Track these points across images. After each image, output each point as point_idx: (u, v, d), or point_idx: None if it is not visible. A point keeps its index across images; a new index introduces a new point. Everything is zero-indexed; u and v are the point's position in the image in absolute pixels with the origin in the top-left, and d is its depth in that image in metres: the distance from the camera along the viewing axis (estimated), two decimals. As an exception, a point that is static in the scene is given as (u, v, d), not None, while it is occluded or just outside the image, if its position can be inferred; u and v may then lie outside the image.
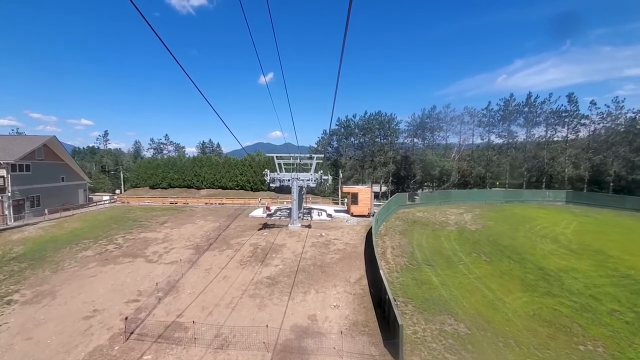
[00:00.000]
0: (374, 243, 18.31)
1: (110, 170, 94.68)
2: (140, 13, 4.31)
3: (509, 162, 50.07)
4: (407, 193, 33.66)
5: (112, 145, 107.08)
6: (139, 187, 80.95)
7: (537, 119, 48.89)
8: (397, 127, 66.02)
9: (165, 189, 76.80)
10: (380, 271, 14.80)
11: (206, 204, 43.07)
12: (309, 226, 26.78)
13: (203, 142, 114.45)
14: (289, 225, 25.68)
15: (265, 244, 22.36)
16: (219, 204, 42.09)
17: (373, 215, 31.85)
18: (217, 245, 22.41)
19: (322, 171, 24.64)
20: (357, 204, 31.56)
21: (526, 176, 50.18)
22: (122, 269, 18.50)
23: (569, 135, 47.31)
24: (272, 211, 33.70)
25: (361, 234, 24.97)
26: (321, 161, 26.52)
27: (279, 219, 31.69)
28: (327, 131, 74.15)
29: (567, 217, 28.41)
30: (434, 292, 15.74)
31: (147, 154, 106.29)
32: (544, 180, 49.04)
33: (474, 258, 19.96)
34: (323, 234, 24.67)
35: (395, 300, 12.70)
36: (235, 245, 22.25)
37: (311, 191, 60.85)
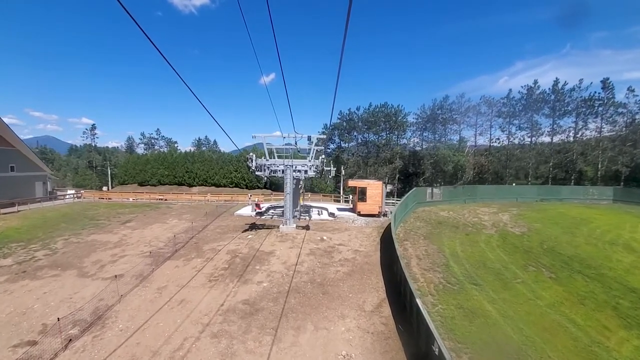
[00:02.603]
0: (398, 252, 12.79)
1: (98, 166, 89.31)
2: (132, 17, 4.36)
3: (534, 157, 44.49)
4: (428, 188, 28.22)
5: (111, 144, 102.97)
6: (127, 184, 75.82)
7: (566, 108, 43.36)
8: (404, 120, 60.63)
9: (155, 185, 71.54)
10: (418, 301, 9.30)
11: (200, 200, 37.51)
12: (306, 227, 21.31)
13: (199, 138, 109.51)
14: (281, 226, 20.19)
15: (248, 250, 16.87)
16: (205, 200, 36.59)
17: (384, 214, 26.41)
18: (184, 252, 16.92)
19: (323, 156, 19.07)
20: (365, 200, 26.11)
21: (552, 172, 44.68)
22: (37, 287, 13.01)
23: (604, 126, 41.80)
24: (263, 209, 28.24)
25: (373, 238, 19.52)
26: (322, 147, 20.87)
27: (271, 218, 26.23)
28: (329, 124, 68.62)
29: (627, 218, 22.94)
30: (496, 331, 10.27)
31: (140, 149, 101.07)
32: (572, 177, 43.55)
33: (533, 273, 14.50)
34: (324, 237, 19.20)
35: None
36: (208, 252, 16.75)
37: (310, 189, 55.34)
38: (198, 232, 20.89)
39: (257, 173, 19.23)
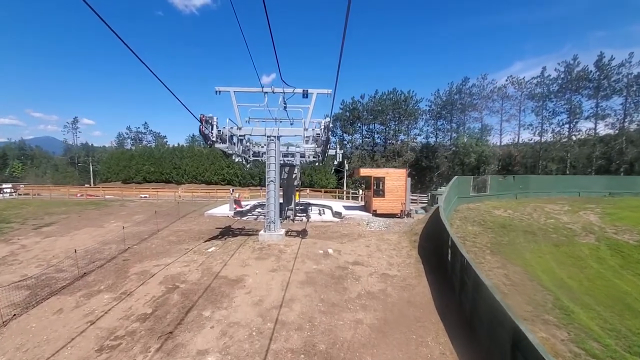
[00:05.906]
0: (496, 298, 5.82)
1: (80, 162, 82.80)
2: (110, 27, 4.44)
3: (577, 145, 37.59)
4: (472, 177, 21.29)
5: (108, 144, 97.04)
6: (110, 182, 69.57)
7: (616, 85, 36.41)
8: (416, 108, 53.80)
9: (140, 183, 65.25)
10: None
11: (169, 196, 30.73)
12: (302, 233, 14.38)
13: (193, 135, 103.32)
14: (261, 232, 13.24)
15: (200, 276, 9.93)
16: (177, 196, 29.76)
17: (408, 214, 19.56)
18: (93, 279, 9.99)
19: (327, 119, 11.94)
20: (383, 195, 19.23)
21: (595, 164, 37.82)
22: None
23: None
24: (246, 207, 21.34)
25: (406, 251, 12.54)
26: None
27: (255, 219, 19.30)
28: (330, 114, 61.87)
29: None
30: None
31: (127, 145, 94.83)
32: (621, 169, 36.66)
33: None
34: (330, 250, 12.28)
35: None
36: (132, 280, 9.82)
37: (310, 184, 48.41)
38: (140, 240, 13.96)
39: (218, 146, 11.95)
